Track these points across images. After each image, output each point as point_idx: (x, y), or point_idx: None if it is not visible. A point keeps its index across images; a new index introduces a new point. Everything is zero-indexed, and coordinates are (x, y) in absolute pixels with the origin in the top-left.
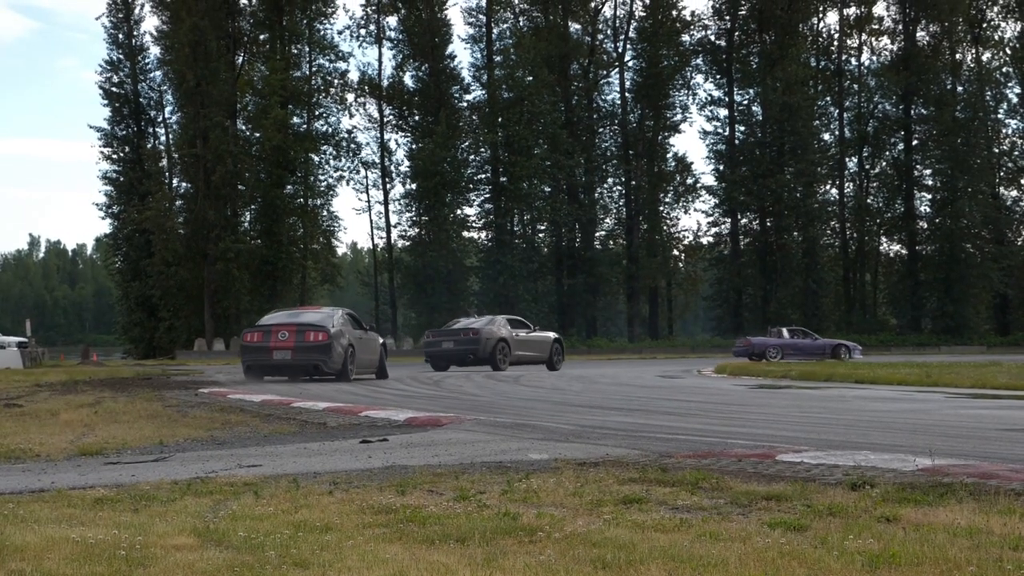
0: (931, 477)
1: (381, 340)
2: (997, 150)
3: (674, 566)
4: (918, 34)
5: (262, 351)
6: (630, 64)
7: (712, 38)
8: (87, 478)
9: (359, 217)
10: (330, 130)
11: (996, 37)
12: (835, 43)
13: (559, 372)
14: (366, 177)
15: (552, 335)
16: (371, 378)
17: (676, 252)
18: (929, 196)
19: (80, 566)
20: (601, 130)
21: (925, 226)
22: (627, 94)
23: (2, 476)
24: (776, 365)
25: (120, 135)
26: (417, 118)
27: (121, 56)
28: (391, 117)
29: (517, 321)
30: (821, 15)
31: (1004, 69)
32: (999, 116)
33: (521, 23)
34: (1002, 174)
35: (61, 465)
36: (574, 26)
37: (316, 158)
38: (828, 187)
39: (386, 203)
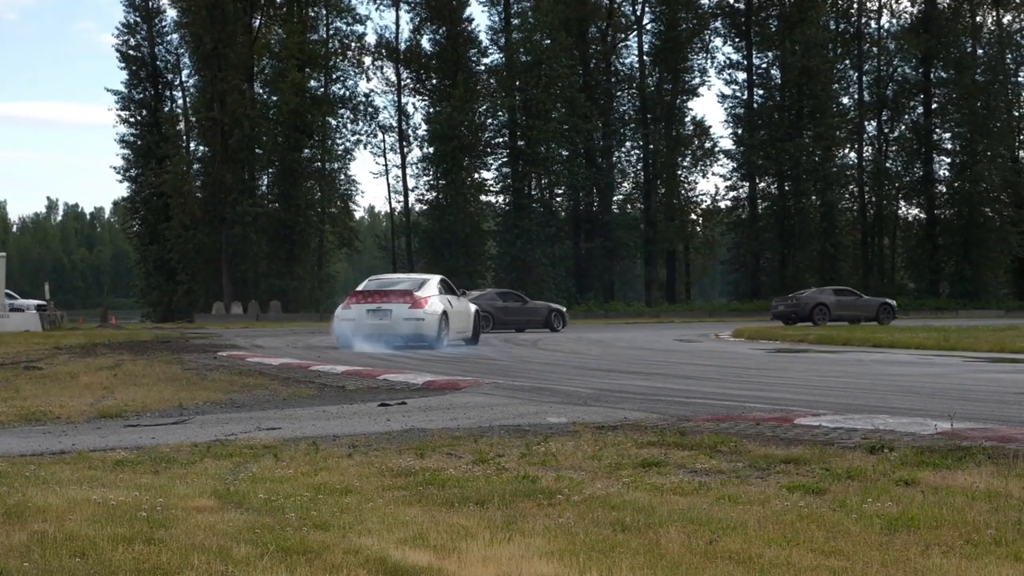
0: (949, 441)
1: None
2: (1017, 113)
3: (693, 529)
4: None
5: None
6: (648, 27)
7: (731, 1)
8: (107, 440)
9: (376, 181)
10: (347, 93)
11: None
12: (854, 5)
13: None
14: (383, 141)
15: (879, 300)
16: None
17: (694, 216)
18: (948, 160)
19: (102, 527)
20: (619, 94)
21: (944, 190)
22: (645, 57)
23: (23, 438)
24: (794, 330)
25: (137, 98)
26: (434, 81)
27: (138, 19)
28: (408, 80)
29: (843, 290)
30: None
31: None
32: (1019, 79)
33: None
34: (1022, 138)
35: (81, 427)
36: None
37: (333, 122)
38: (846, 151)
39: (403, 167)
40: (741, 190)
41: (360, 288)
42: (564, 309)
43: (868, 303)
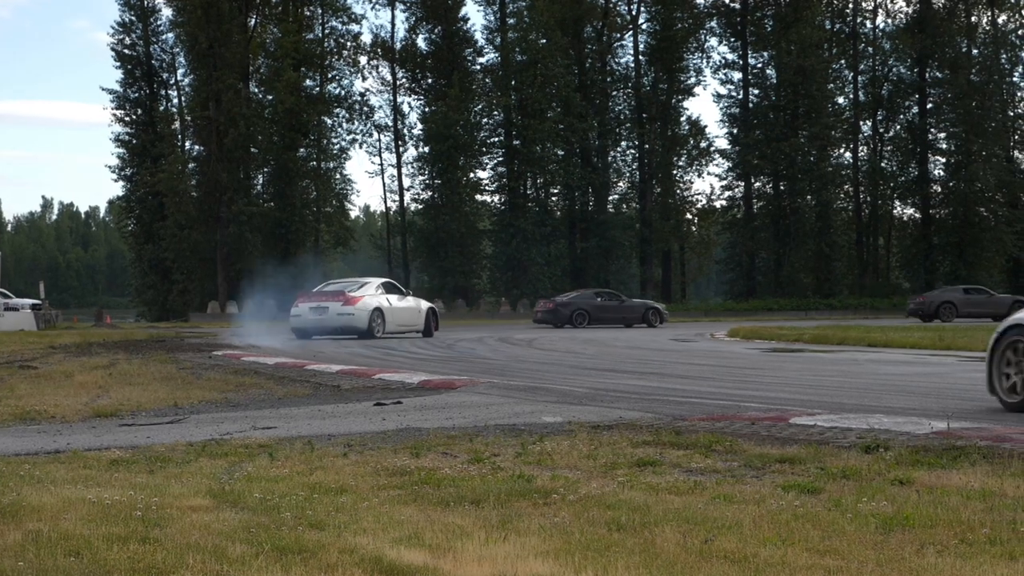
0: (944, 440)
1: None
2: (1012, 113)
3: (688, 528)
4: None
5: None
6: (644, 27)
7: (726, 0)
8: (102, 439)
9: (372, 180)
10: (343, 93)
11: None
12: (850, 5)
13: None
14: (379, 140)
15: (1012, 298)
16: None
17: (689, 216)
18: (943, 160)
19: (97, 527)
20: (614, 93)
21: (939, 190)
22: (641, 57)
23: (18, 437)
24: (789, 330)
25: (132, 97)
26: (430, 81)
27: (133, 18)
28: (404, 80)
29: (973, 288)
30: None
31: (1020, 32)
32: (1014, 79)
33: None
34: (1017, 137)
35: (76, 427)
36: None
37: (329, 121)
38: (842, 150)
39: (399, 166)
40: (736, 190)
41: (313, 290)
42: (662, 307)
43: (1000, 301)
